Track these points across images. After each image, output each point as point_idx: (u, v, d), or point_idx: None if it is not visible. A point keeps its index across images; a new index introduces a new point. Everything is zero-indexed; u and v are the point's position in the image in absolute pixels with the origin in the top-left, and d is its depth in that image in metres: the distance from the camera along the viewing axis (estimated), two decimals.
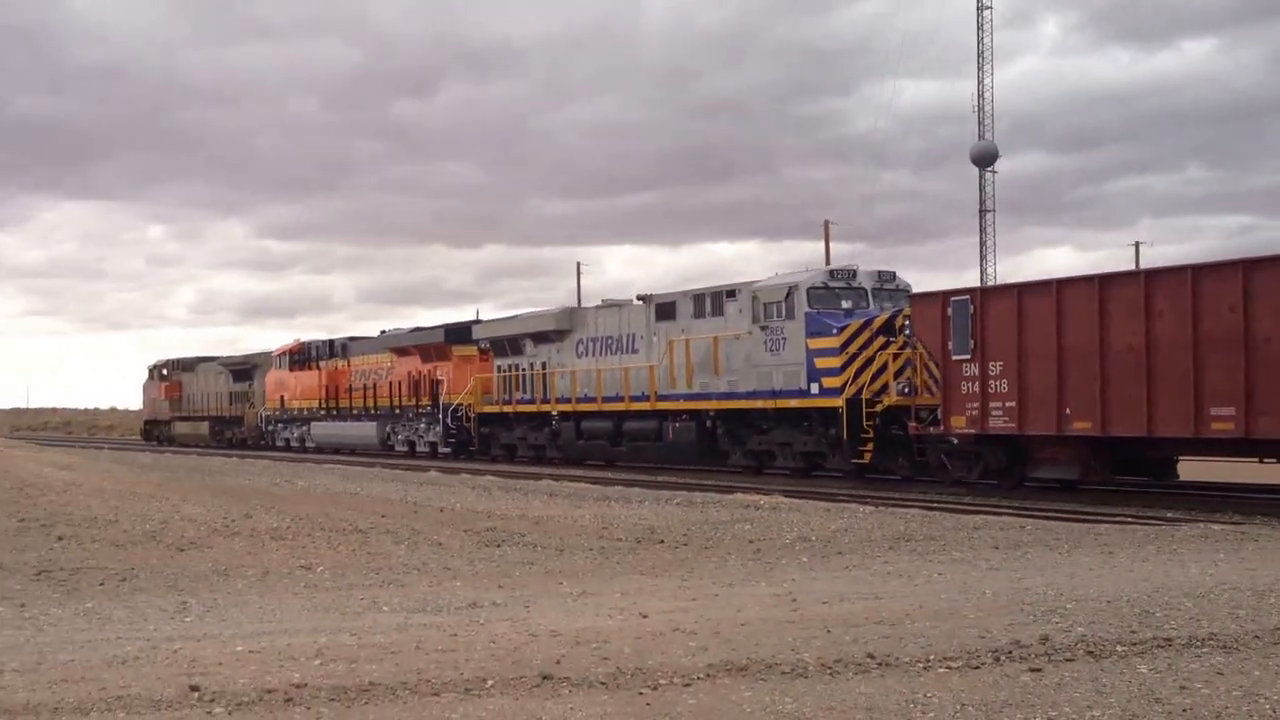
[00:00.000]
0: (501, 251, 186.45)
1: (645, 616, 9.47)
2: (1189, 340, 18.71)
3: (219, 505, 18.88)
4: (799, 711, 6.53)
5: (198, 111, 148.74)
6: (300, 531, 15.77)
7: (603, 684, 7.07)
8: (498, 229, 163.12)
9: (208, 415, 59.16)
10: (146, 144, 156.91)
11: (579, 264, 66.01)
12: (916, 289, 25.79)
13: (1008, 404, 21.41)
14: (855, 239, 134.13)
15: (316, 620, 9.62)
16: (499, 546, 14.86)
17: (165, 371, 63.90)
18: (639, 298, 31.67)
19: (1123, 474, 21.74)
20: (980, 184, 66.89)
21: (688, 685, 7.06)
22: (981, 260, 66.46)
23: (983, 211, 66.26)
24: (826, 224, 57.35)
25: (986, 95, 65.51)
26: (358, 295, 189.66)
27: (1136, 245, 65.65)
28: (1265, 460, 19.19)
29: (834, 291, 26.35)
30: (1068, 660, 7.67)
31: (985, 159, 66.64)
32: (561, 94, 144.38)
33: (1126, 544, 14.36)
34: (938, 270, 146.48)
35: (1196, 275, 18.98)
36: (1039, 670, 7.38)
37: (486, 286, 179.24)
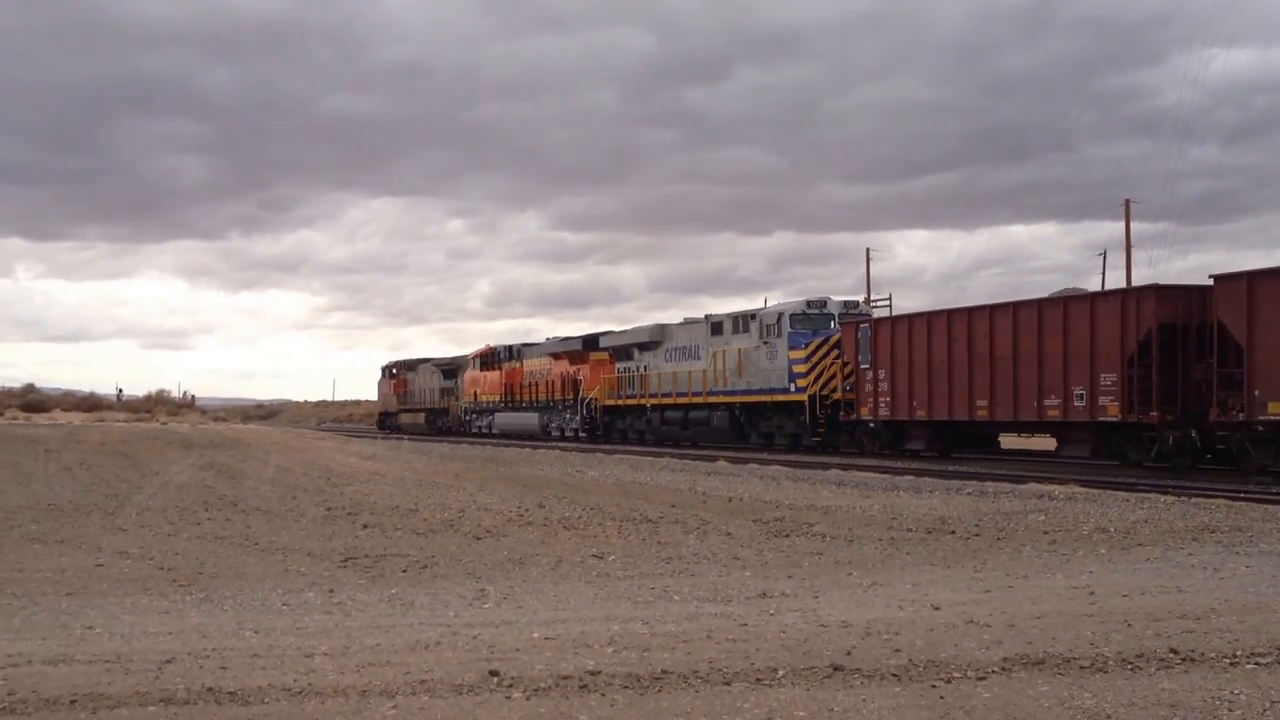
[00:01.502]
0: (791, 238, 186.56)
1: (937, 608, 9.26)
2: (965, 358, 29.23)
3: (513, 495, 19.45)
4: (1099, 707, 6.25)
5: (495, 105, 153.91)
6: (592, 521, 16.08)
7: (894, 676, 6.93)
8: (788, 215, 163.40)
9: (425, 408, 67.50)
10: (447, 139, 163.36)
11: (868, 250, 65.17)
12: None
13: (890, 400, 31.96)
14: (1158, 218, 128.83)
15: (609, 608, 9.76)
16: (787, 536, 14.81)
17: (394, 371, 73.45)
18: (706, 317, 40.79)
19: (958, 447, 31.87)
20: None
21: (982, 679, 6.85)
22: None
23: None
24: (1127, 203, 54.95)
25: None
26: (648, 285, 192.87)
27: None
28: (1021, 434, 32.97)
29: (810, 316, 35.94)
30: None
31: None
32: (852, 76, 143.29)
33: None
34: (1247, 249, 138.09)
35: (971, 313, 29.70)
36: None
37: (776, 274, 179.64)
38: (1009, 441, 34.48)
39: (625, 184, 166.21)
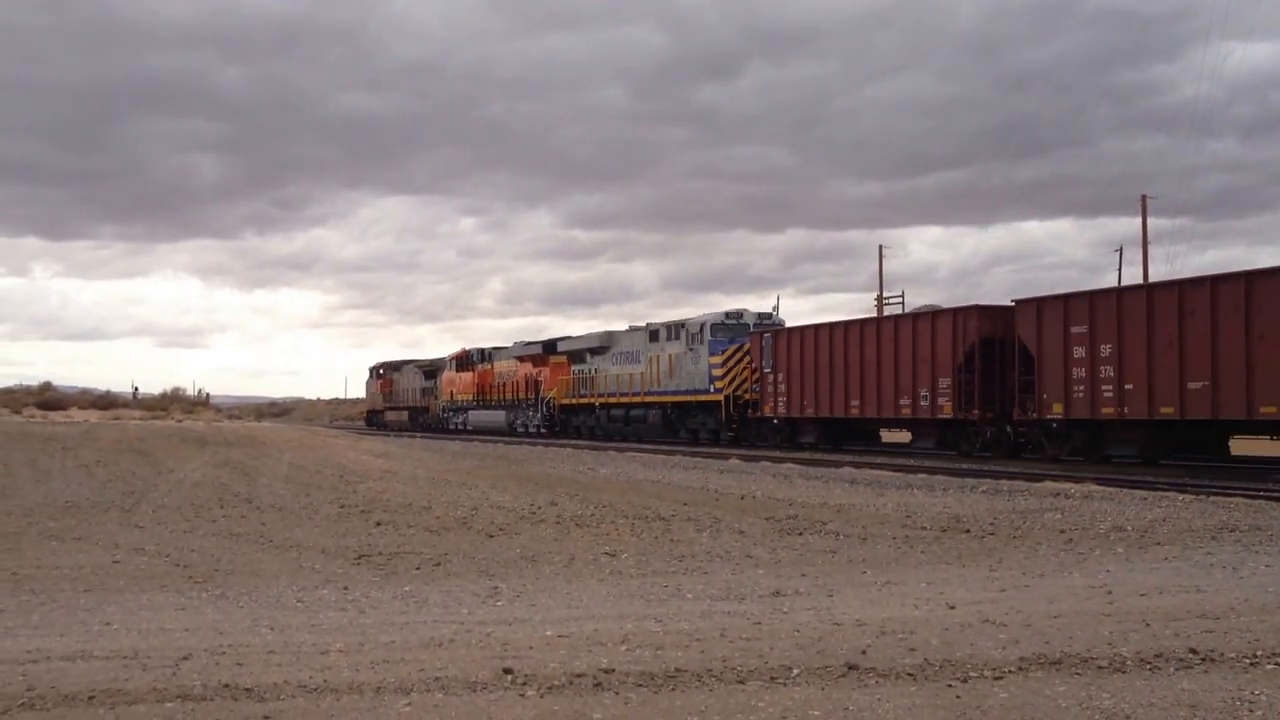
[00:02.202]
0: (804, 235, 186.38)
1: (952, 607, 9.24)
2: (843, 364, 34.55)
3: (525, 493, 19.47)
4: (1117, 708, 6.22)
5: (507, 103, 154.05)
6: (604, 519, 16.08)
7: (910, 675, 6.91)
8: (800, 212, 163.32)
9: (408, 406, 72.12)
10: (459, 137, 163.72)
11: (880, 247, 65.22)
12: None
13: (787, 399, 37.08)
14: (1175, 214, 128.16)
15: (622, 606, 9.75)
16: (801, 535, 14.79)
17: (381, 372, 78.52)
18: (646, 325, 45.37)
19: (848, 440, 36.83)
20: None
21: (999, 678, 6.83)
22: None
23: None
24: (1144, 199, 54.63)
25: None
26: (661, 283, 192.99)
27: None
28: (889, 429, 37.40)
29: (728, 326, 40.76)
30: None
31: None
32: (865, 72, 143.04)
33: None
34: (1265, 245, 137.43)
35: (848, 326, 35.11)
36: None
37: (789, 271, 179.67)
38: (890, 436, 39.47)
39: (637, 182, 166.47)
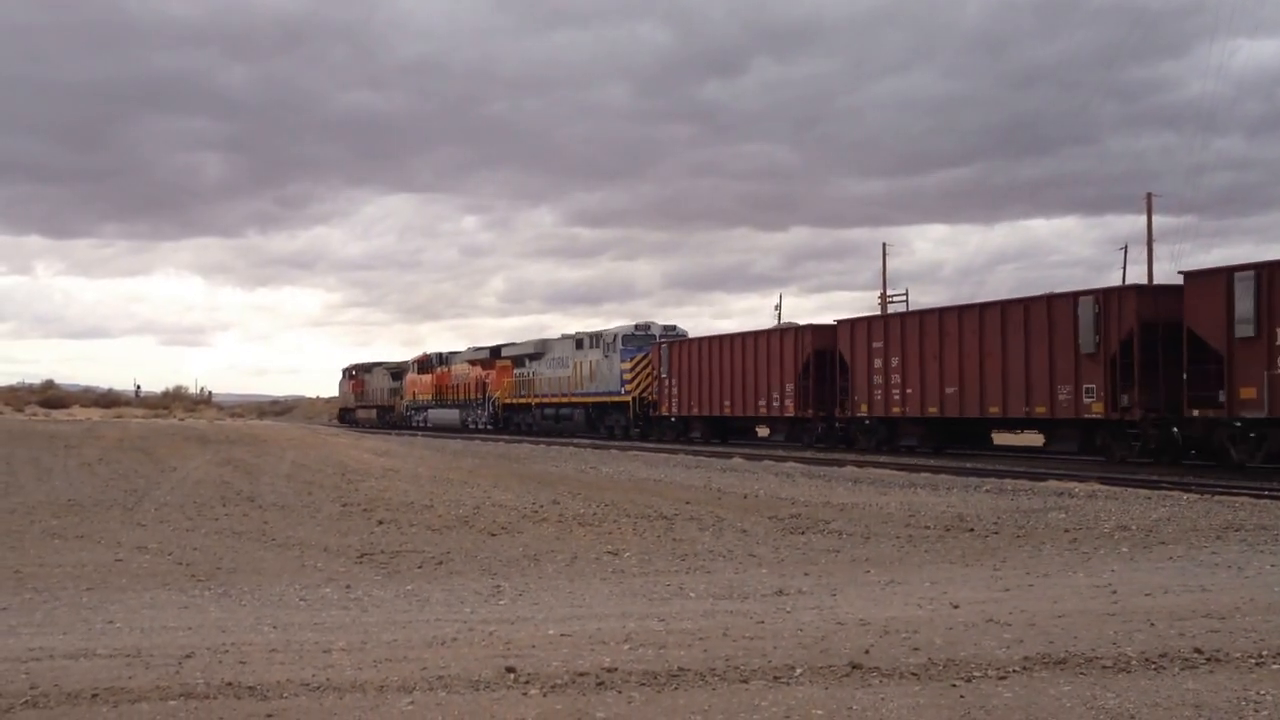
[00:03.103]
0: (808, 234, 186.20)
1: (956, 606, 9.22)
2: (719, 371, 40.51)
3: (527, 491, 19.46)
4: (1121, 708, 6.19)
5: (511, 101, 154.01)
6: (606, 517, 16.06)
7: (914, 675, 6.89)
8: (804, 210, 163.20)
9: (377, 405, 77.50)
10: (462, 135, 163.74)
11: (884, 245, 65.33)
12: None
13: (679, 400, 43.21)
14: (1182, 212, 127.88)
15: (625, 605, 9.74)
16: (804, 534, 14.77)
17: (354, 373, 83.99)
18: (575, 334, 51.07)
19: (729, 437, 42.34)
20: None
21: (1003, 678, 6.81)
22: None
23: None
24: (1149, 197, 54.58)
25: None
26: (663, 281, 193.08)
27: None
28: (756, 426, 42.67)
29: (637, 337, 47.06)
30: None
31: None
32: (869, 69, 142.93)
33: None
34: (1272, 243, 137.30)
35: (721, 340, 41.27)
36: None
37: (792, 270, 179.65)
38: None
39: (640, 179, 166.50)
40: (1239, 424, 22.46)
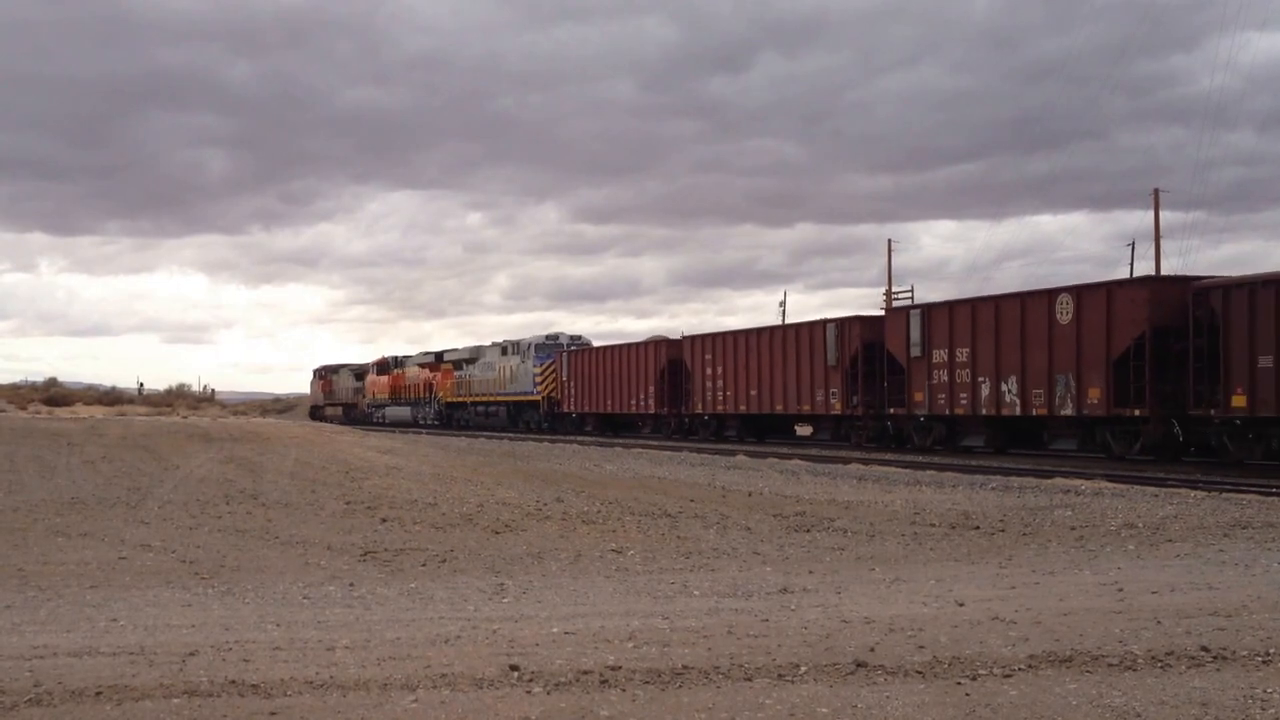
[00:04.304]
0: (813, 230, 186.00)
1: (961, 605, 9.20)
2: (607, 374, 48.62)
3: (531, 489, 19.44)
4: (1128, 706, 6.17)
5: (516, 97, 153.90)
6: (610, 515, 16.04)
7: (919, 673, 6.86)
8: (810, 206, 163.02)
9: (343, 403, 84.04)
10: (467, 131, 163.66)
11: (890, 242, 65.25)
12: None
13: (576, 399, 51.09)
14: (1190, 207, 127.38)
15: (628, 603, 9.72)
16: (808, 531, 14.75)
17: (323, 374, 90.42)
18: (502, 342, 58.75)
19: (616, 430, 48.92)
20: None
21: (1008, 676, 6.78)
22: None
23: None
24: (1156, 192, 54.30)
25: None
26: (668, 277, 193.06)
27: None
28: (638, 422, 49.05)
29: (548, 346, 54.53)
30: None
31: None
32: (876, 64, 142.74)
33: None
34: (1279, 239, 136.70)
35: (614, 349, 49.11)
36: None
37: (797, 266, 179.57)
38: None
39: (646, 176, 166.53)
40: (923, 418, 31.77)
